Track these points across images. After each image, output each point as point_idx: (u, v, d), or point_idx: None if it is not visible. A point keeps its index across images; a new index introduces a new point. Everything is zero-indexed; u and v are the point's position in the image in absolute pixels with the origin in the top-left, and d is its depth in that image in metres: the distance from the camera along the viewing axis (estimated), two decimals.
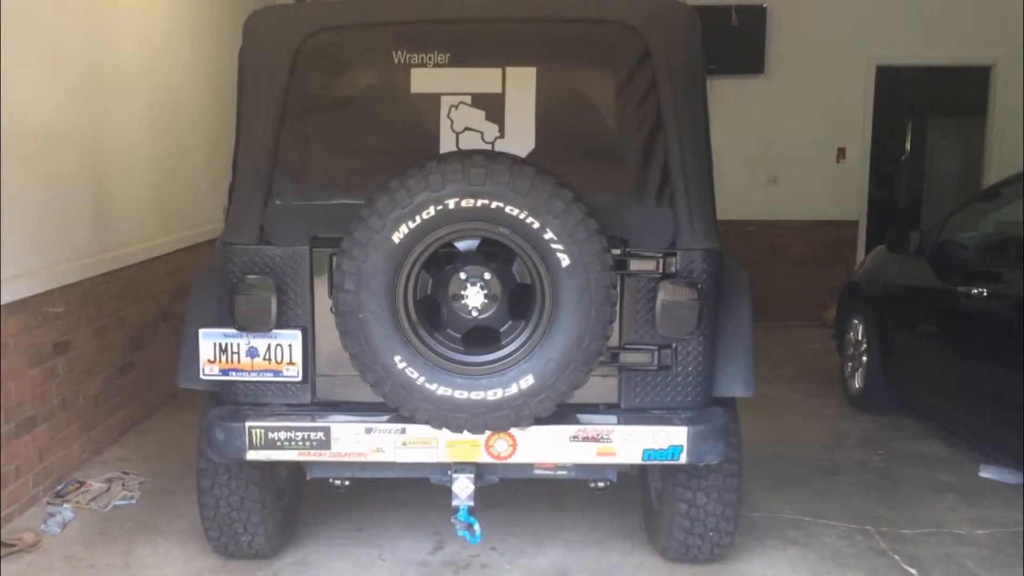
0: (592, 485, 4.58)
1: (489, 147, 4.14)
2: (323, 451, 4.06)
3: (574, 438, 4.01)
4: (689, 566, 4.77)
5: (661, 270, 3.99)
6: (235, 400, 4.21)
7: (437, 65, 4.17)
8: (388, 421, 4.03)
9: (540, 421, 3.89)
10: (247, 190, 4.17)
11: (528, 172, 3.61)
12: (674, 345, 4.08)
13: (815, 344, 10.05)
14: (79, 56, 5.97)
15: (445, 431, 3.91)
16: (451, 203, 3.60)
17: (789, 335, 10.56)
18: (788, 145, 11.36)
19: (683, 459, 4.02)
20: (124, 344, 6.68)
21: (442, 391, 3.77)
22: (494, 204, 3.60)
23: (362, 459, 4.11)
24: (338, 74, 4.43)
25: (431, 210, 3.61)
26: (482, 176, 3.57)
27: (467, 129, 4.20)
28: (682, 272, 4.02)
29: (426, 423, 3.88)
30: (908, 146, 15.23)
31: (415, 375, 3.76)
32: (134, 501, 5.55)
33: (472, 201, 3.60)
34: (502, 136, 4.19)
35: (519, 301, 3.85)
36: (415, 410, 3.82)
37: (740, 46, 11.00)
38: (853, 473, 6.31)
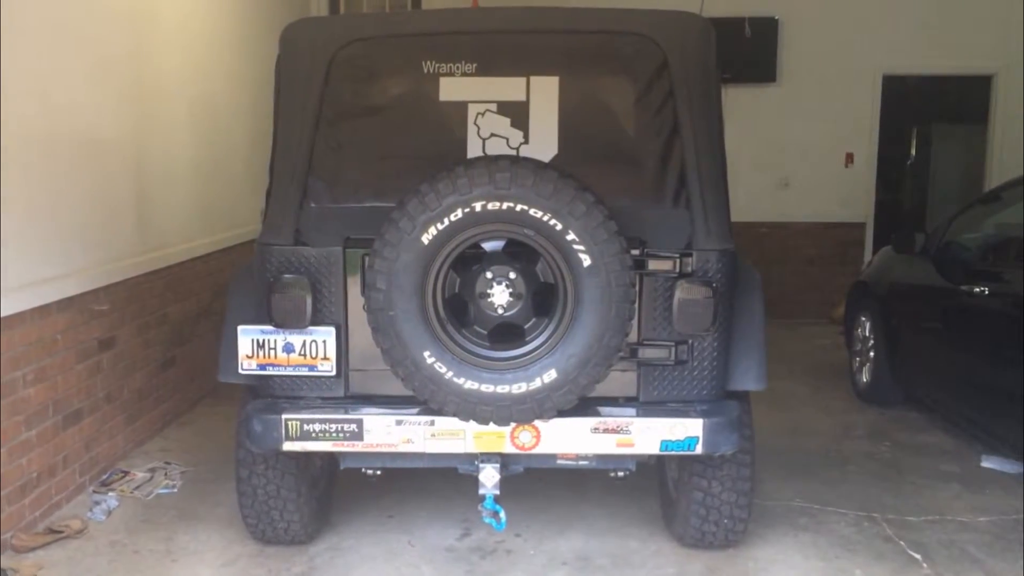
0: (612, 474, 4.59)
1: (514, 152, 4.15)
2: (356, 442, 4.07)
3: (595, 430, 4.01)
4: (704, 551, 4.76)
5: (678, 270, 3.99)
6: (272, 394, 4.22)
7: (464, 74, 4.19)
8: (418, 413, 4.04)
9: (563, 413, 3.90)
10: (283, 194, 4.18)
11: (551, 176, 3.61)
12: (690, 341, 4.08)
13: (824, 340, 10.04)
14: (125, 65, 5.99)
15: (472, 423, 3.92)
16: (478, 206, 3.60)
17: (799, 332, 10.52)
18: (799, 150, 11.37)
19: (699, 450, 4.02)
20: (166, 340, 6.70)
21: (469, 385, 3.78)
22: (519, 207, 3.60)
23: (393, 450, 4.12)
24: (370, 83, 4.44)
25: (459, 212, 3.62)
26: (507, 180, 3.57)
27: (493, 135, 4.20)
28: (698, 272, 4.02)
29: (454, 415, 3.88)
30: (913, 151, 15.16)
31: (443, 370, 3.76)
32: (175, 490, 5.57)
33: (498, 204, 3.60)
34: (526, 142, 4.19)
35: (542, 299, 3.85)
36: (443, 403, 3.82)
37: (753, 56, 11.05)
38: (861, 463, 6.29)
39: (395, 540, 4.91)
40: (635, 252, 3.85)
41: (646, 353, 4.08)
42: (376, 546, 4.85)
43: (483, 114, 4.20)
